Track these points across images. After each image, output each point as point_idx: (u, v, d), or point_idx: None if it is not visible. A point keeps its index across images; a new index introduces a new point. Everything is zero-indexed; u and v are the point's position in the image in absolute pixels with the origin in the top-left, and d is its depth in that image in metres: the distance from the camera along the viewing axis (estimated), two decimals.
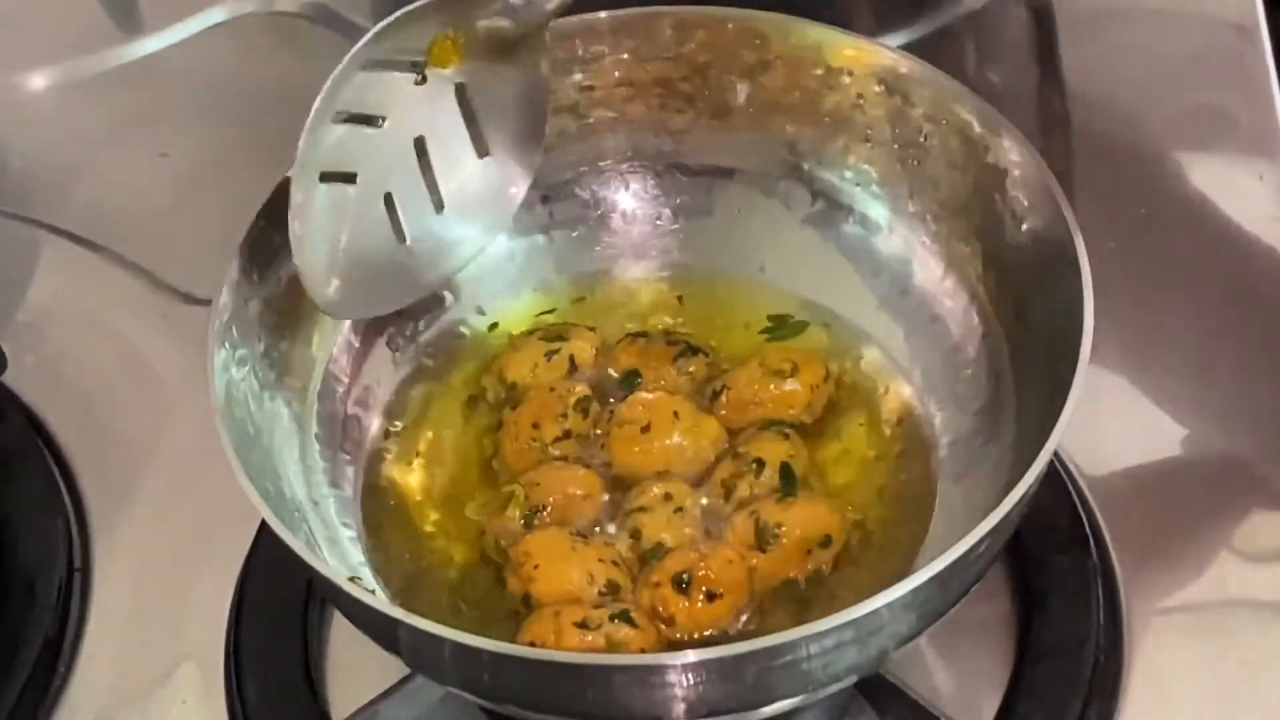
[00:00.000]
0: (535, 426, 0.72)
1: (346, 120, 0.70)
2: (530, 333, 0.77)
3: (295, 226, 0.68)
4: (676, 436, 0.71)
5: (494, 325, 0.79)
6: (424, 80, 0.71)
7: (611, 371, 0.76)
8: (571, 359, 0.75)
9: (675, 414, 0.72)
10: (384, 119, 0.71)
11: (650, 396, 0.73)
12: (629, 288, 0.80)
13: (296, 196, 0.68)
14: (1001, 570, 0.73)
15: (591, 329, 0.77)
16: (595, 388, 0.74)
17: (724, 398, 0.73)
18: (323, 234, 0.70)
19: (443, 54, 0.71)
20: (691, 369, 0.75)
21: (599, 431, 0.73)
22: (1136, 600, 0.73)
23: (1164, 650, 0.71)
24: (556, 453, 0.72)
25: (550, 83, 0.73)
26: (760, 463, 0.70)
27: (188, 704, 0.74)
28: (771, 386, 0.72)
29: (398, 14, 0.68)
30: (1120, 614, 0.72)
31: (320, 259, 0.70)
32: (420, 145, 0.73)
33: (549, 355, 0.75)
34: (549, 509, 0.69)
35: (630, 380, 0.75)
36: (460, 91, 0.73)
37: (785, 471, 0.70)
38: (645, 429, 0.71)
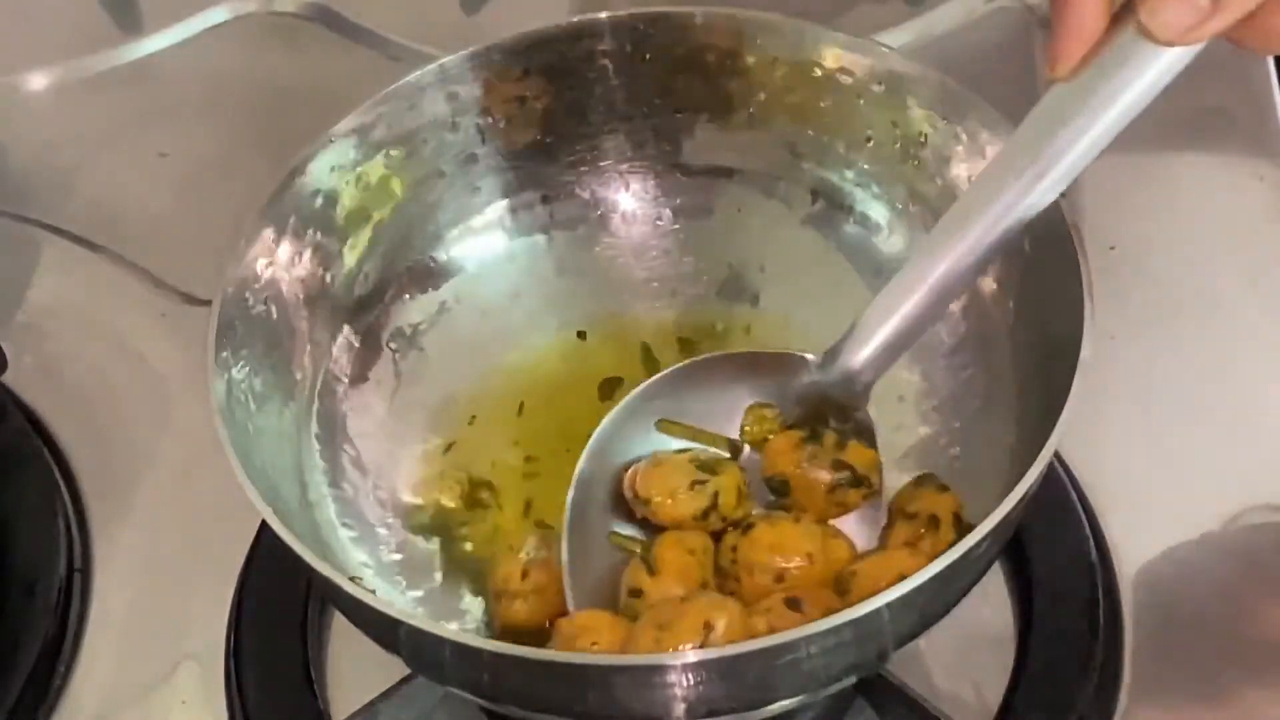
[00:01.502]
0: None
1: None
2: (680, 451, 0.69)
3: (567, 564, 0.66)
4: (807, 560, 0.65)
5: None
6: (736, 456, 0.69)
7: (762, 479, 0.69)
8: (716, 497, 0.66)
9: (810, 556, 0.65)
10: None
11: (779, 531, 0.66)
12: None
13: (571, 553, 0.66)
14: (1001, 570, 0.73)
15: (737, 463, 0.69)
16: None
17: (851, 586, 0.64)
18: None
19: (759, 426, 0.69)
20: (848, 500, 0.67)
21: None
22: (1137, 600, 0.73)
23: (1165, 650, 0.72)
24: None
25: (878, 472, 0.68)
26: (935, 519, 0.66)
27: (188, 704, 0.74)
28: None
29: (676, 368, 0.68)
30: (1120, 614, 0.72)
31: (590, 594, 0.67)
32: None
33: (694, 485, 0.67)
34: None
35: (779, 487, 0.68)
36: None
37: (957, 523, 0.66)
38: (779, 579, 0.64)
